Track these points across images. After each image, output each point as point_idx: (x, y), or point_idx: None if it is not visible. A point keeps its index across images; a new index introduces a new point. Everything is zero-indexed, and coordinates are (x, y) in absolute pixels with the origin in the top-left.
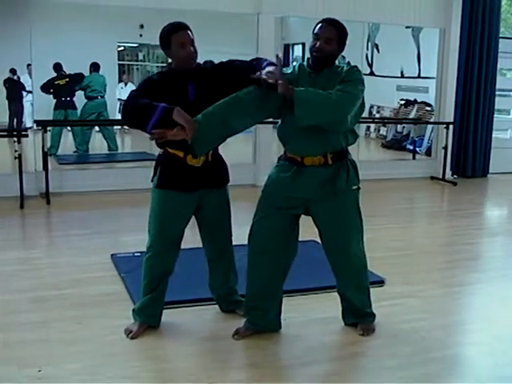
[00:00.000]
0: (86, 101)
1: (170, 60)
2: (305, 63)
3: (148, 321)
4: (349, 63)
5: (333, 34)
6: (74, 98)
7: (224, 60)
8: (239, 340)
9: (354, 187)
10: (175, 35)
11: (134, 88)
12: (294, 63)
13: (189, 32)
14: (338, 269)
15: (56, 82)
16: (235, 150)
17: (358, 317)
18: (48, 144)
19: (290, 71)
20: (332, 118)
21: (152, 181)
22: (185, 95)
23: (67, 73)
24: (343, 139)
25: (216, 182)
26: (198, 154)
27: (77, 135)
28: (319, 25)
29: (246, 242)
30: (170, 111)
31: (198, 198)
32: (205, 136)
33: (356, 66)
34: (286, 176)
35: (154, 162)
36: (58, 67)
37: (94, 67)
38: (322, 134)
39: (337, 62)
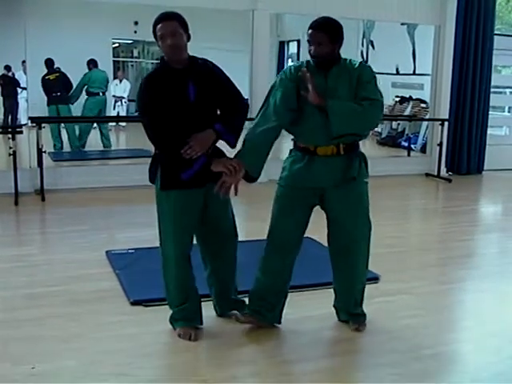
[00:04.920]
0: (86, 97)
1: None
2: (311, 62)
3: (196, 323)
4: (364, 62)
5: (322, 38)
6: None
7: (221, 56)
8: (242, 323)
9: (365, 180)
10: (158, 27)
11: (128, 85)
12: (296, 62)
13: (172, 23)
14: (341, 263)
15: (47, 77)
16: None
17: (351, 315)
18: (42, 140)
19: (297, 65)
20: (367, 128)
21: (153, 182)
22: (186, 95)
23: (59, 68)
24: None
25: (219, 174)
26: (255, 176)
27: (71, 132)
28: (309, 31)
29: (240, 239)
30: (209, 164)
31: (204, 192)
32: (252, 161)
33: (364, 62)
34: (299, 167)
35: (149, 159)
36: (49, 63)
37: (93, 64)
38: None
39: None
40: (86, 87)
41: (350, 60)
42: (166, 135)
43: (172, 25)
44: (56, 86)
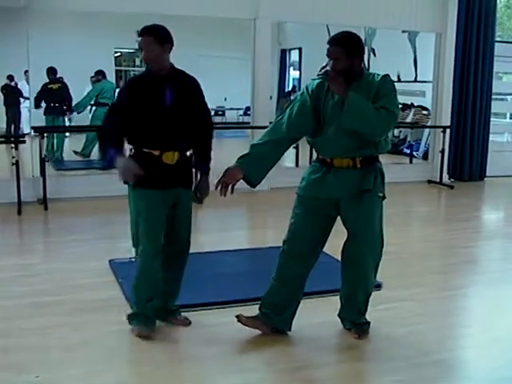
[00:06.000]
0: (94, 107)
1: None
2: None
3: (152, 324)
4: (387, 75)
5: (338, 52)
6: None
7: (223, 63)
8: (243, 324)
9: (380, 194)
10: (138, 40)
11: None
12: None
13: (148, 38)
14: (349, 274)
15: (49, 86)
16: (232, 154)
17: (355, 324)
18: (45, 150)
19: (318, 81)
20: (374, 132)
21: (126, 182)
22: (162, 100)
23: (61, 78)
24: (373, 146)
25: (188, 181)
26: (254, 183)
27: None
28: (327, 46)
29: (243, 247)
30: (113, 163)
31: (174, 195)
32: (252, 170)
33: (388, 76)
34: (315, 177)
35: None
36: (51, 71)
37: (103, 75)
38: (353, 138)
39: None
40: (96, 97)
41: (374, 74)
42: (112, 130)
43: (148, 40)
44: (57, 96)
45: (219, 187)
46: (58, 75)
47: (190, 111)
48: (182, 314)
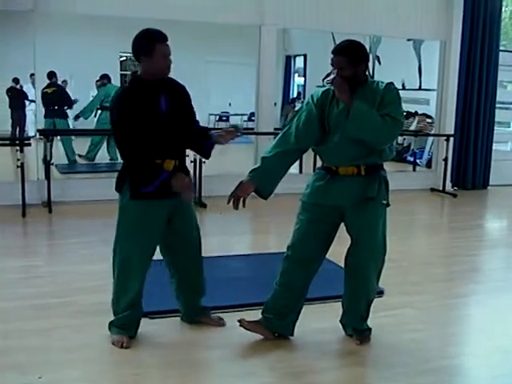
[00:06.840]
0: (100, 111)
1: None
2: None
3: (131, 333)
4: (391, 83)
5: (342, 62)
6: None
7: (227, 69)
8: (245, 329)
9: (384, 202)
10: (161, 45)
11: None
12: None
13: (168, 43)
14: (351, 280)
15: (44, 91)
16: (235, 159)
17: (356, 330)
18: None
19: (323, 90)
20: (380, 141)
21: (120, 192)
22: (157, 107)
23: (65, 81)
24: (377, 154)
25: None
26: (265, 197)
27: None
28: (331, 56)
29: (246, 252)
30: (170, 180)
31: (171, 204)
32: (263, 184)
33: (392, 84)
34: (320, 184)
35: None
36: (50, 75)
37: (108, 79)
38: (358, 147)
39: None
40: (102, 101)
41: (378, 82)
42: (137, 149)
43: (169, 47)
44: (53, 99)
45: (231, 201)
46: (63, 78)
47: (184, 117)
48: (183, 317)
